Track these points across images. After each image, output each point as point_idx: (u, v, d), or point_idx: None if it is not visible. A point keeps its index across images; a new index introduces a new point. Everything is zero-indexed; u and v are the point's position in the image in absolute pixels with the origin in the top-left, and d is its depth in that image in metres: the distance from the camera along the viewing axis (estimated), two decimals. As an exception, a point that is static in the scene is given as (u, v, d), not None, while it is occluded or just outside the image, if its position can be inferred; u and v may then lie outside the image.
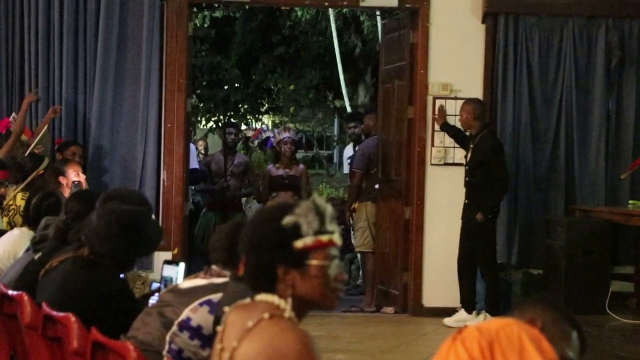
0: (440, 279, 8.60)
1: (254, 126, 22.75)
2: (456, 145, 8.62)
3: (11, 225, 6.31)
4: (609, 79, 9.01)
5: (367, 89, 20.63)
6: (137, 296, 4.16)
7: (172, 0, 8.58)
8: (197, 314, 3.39)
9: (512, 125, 8.88)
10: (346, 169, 11.68)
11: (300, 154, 15.54)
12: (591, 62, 8.99)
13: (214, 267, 3.63)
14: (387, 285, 9.08)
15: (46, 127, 8.06)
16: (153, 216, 4.18)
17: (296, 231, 2.36)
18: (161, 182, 8.60)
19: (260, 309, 2.35)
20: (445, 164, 8.76)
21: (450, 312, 8.31)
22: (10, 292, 4.03)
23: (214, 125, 22.75)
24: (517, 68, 8.90)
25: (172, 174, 8.59)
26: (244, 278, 2.45)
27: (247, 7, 16.75)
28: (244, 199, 10.91)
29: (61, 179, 6.81)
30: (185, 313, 3.40)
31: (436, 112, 8.68)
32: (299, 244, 2.36)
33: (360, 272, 10.28)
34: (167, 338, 3.39)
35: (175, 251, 8.32)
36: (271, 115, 24.98)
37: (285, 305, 2.36)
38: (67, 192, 6.48)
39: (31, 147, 7.71)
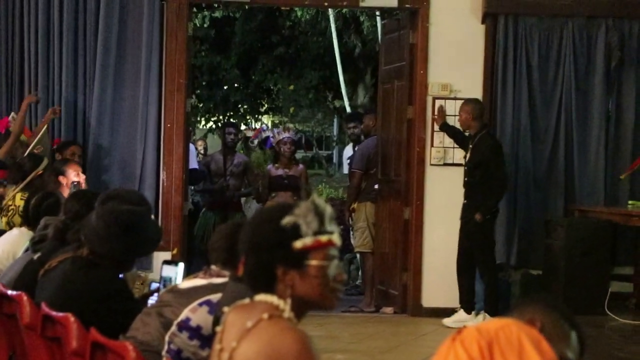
0: (439, 279, 8.60)
1: (253, 126, 22.76)
2: (455, 145, 8.62)
3: (10, 226, 6.31)
4: (608, 79, 9.01)
5: (367, 89, 20.64)
6: (136, 296, 4.16)
7: (172, 0, 8.58)
8: (196, 314, 3.39)
9: (512, 126, 8.88)
10: (346, 169, 11.68)
11: (299, 154, 15.55)
12: (591, 63, 8.99)
13: (213, 267, 3.63)
14: (387, 286, 9.08)
15: (45, 127, 8.06)
16: (152, 216, 4.18)
17: (295, 231, 2.36)
18: (160, 182, 8.60)
19: (259, 309, 2.35)
20: (445, 164, 8.76)
21: (449, 312, 8.32)
22: (9, 292, 4.02)
23: (214, 126, 22.76)
24: (517, 68, 8.90)
25: (172, 174, 8.59)
26: (244, 278, 2.45)
27: (246, 7, 16.76)
28: (243, 199, 10.91)
29: (61, 178, 6.80)
30: (185, 313, 3.40)
31: (436, 113, 8.69)
32: (298, 244, 2.36)
33: (360, 273, 10.28)
34: (167, 338, 3.39)
35: (175, 251, 8.32)
36: (271, 116, 24.99)
37: (285, 305, 2.36)
38: (66, 192, 6.47)
39: (30, 147, 7.71)
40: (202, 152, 12.25)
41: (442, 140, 8.74)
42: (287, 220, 2.37)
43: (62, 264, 3.88)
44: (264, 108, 23.74)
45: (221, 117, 22.47)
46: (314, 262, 2.37)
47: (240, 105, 22.68)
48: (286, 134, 10.07)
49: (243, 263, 2.44)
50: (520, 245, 8.86)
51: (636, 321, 8.21)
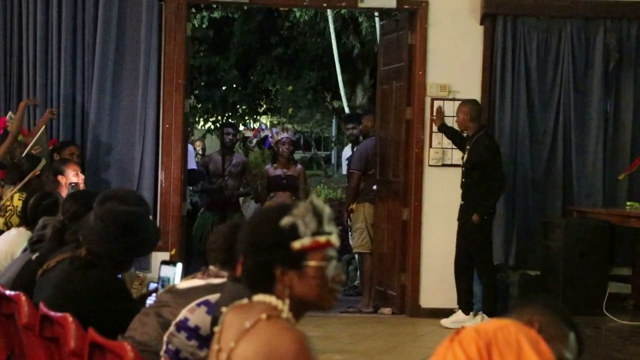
0: (437, 280, 8.60)
1: (252, 127, 22.76)
2: (454, 146, 8.62)
3: (8, 226, 6.31)
4: (606, 81, 9.02)
5: (365, 90, 20.64)
6: (134, 296, 4.15)
7: (171, 0, 8.57)
8: (194, 314, 3.39)
9: (510, 127, 8.88)
10: (344, 170, 11.69)
11: (298, 155, 15.55)
12: (589, 64, 8.99)
13: (211, 267, 3.63)
14: (385, 286, 9.08)
15: (43, 128, 8.06)
16: (151, 217, 4.17)
17: (294, 232, 2.36)
18: (159, 182, 8.60)
19: (257, 310, 2.35)
20: (443, 165, 8.76)
21: (447, 313, 8.32)
22: (7, 292, 4.02)
23: (212, 126, 22.76)
24: (516, 69, 8.90)
25: (170, 175, 8.59)
26: (242, 278, 2.45)
27: (245, 7, 16.76)
28: (241, 199, 10.91)
29: (60, 178, 6.81)
30: (183, 313, 3.40)
31: (434, 113, 8.68)
32: (296, 244, 2.36)
33: (358, 273, 10.29)
34: (165, 338, 3.38)
35: (173, 252, 8.32)
36: (269, 116, 25.00)
37: (283, 305, 2.36)
38: (65, 192, 6.47)
39: (28, 147, 7.71)
40: (200, 152, 12.25)
41: (440, 141, 8.74)
42: (285, 220, 2.37)
43: (61, 264, 3.88)
44: (263, 109, 23.75)
45: (220, 118, 22.47)
46: (312, 263, 2.37)
47: (238, 106, 22.69)
48: (284, 134, 10.07)
49: (241, 263, 2.44)
50: (519, 246, 8.86)
51: (634, 322, 8.21)
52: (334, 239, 2.41)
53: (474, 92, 8.71)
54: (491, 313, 7.94)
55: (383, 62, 9.52)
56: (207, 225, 9.91)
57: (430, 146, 8.78)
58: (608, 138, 9.04)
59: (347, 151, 11.20)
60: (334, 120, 25.59)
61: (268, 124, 24.90)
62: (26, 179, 6.92)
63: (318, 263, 2.38)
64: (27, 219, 5.36)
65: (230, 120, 21.48)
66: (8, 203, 6.65)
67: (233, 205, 10.23)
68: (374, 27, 16.40)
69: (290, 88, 21.48)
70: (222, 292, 3.34)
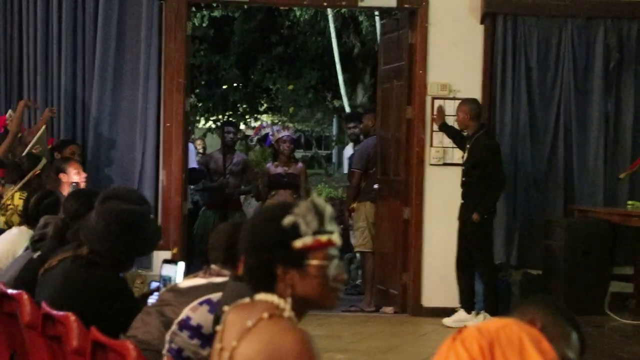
0: (439, 279, 8.60)
1: (252, 126, 22.75)
2: (455, 145, 8.62)
3: (8, 225, 6.31)
4: (607, 80, 9.01)
5: (366, 89, 20.64)
6: (136, 295, 4.16)
7: (171, -1, 8.58)
8: (196, 313, 3.39)
9: (511, 126, 8.88)
10: (346, 169, 11.69)
11: (299, 154, 15.56)
12: (590, 63, 8.99)
13: (213, 266, 3.63)
14: (387, 285, 9.08)
15: (44, 127, 8.06)
16: (152, 215, 4.17)
17: (295, 231, 2.36)
18: (160, 181, 8.59)
19: (259, 309, 2.34)
20: (444, 164, 8.76)
21: (449, 312, 8.32)
22: (9, 291, 4.02)
23: (213, 125, 22.76)
24: (516, 69, 8.90)
25: (171, 174, 8.59)
26: (244, 277, 2.45)
27: (245, 7, 16.76)
28: (242, 197, 10.91)
29: (61, 176, 6.81)
30: (185, 312, 3.40)
31: (435, 113, 8.68)
32: (298, 243, 2.36)
33: (360, 272, 10.29)
34: (167, 337, 3.39)
35: (175, 250, 8.32)
36: (270, 115, 24.99)
37: (285, 304, 2.36)
38: (66, 191, 6.47)
39: (29, 146, 7.71)
40: (200, 151, 12.25)
41: (441, 140, 8.74)
42: (287, 219, 2.37)
43: (62, 262, 3.88)
44: (263, 108, 23.74)
45: (220, 117, 22.47)
46: (314, 262, 2.37)
47: (239, 105, 22.68)
48: (285, 132, 10.08)
49: (243, 262, 2.44)
50: (520, 246, 8.86)
51: (636, 321, 8.21)
52: (336, 238, 2.41)
53: (475, 91, 8.70)
54: (492, 312, 7.94)
55: (383, 61, 9.52)
56: (208, 224, 9.90)
57: (431, 145, 8.78)
58: (609, 137, 9.03)
59: (348, 150, 11.21)
60: (334, 119, 25.58)
61: (269, 122, 24.89)
62: (26, 178, 6.92)
63: (320, 262, 2.37)
64: (28, 217, 5.36)
65: (230, 119, 21.48)
66: (9, 202, 6.66)
67: (234, 204, 10.23)
68: (374, 26, 16.40)
69: (290, 87, 21.47)
70: (224, 291, 3.34)
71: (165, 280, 3.96)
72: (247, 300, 2.42)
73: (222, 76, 21.34)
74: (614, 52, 8.94)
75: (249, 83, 21.91)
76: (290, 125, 14.93)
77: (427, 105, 8.76)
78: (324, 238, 2.38)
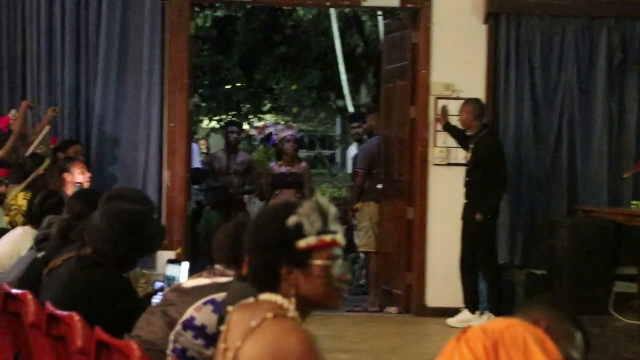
0: (443, 279, 8.60)
1: (255, 125, 22.75)
2: (458, 145, 8.62)
3: (12, 225, 6.31)
4: (611, 80, 9.01)
5: (369, 89, 20.63)
6: (140, 295, 4.16)
7: (174, -1, 8.58)
8: (200, 313, 3.39)
9: (514, 126, 8.87)
10: (350, 169, 11.69)
11: (302, 154, 15.55)
12: (593, 63, 8.99)
13: (217, 266, 3.63)
14: (390, 285, 9.08)
15: (48, 127, 8.07)
16: (156, 215, 4.18)
17: (299, 231, 2.36)
18: (164, 181, 8.60)
19: (263, 309, 2.34)
20: (448, 164, 8.76)
21: (453, 312, 8.31)
22: (13, 290, 4.03)
23: (216, 125, 22.76)
24: (519, 68, 8.89)
25: (175, 173, 8.60)
26: (247, 277, 2.45)
27: (248, 6, 16.77)
28: (246, 197, 10.92)
29: (65, 175, 6.82)
30: (189, 312, 3.40)
31: (438, 112, 8.68)
32: (302, 243, 2.36)
33: (363, 272, 10.29)
34: (171, 337, 3.39)
35: (178, 250, 8.31)
36: (274, 115, 24.98)
37: (289, 304, 2.36)
38: (70, 191, 6.48)
39: (32, 146, 7.72)
40: (204, 151, 12.26)
41: (445, 140, 8.73)
42: (290, 219, 2.37)
43: (66, 262, 3.88)
44: (267, 107, 23.74)
45: (224, 117, 22.46)
46: (317, 262, 2.37)
47: (242, 105, 22.68)
48: (289, 132, 10.08)
49: (247, 262, 2.44)
50: (524, 246, 8.86)
51: (640, 321, 8.20)
52: (340, 238, 2.41)
53: (478, 91, 8.70)
54: (496, 312, 7.94)
55: (387, 61, 9.52)
56: (212, 224, 9.92)
57: (435, 145, 8.77)
58: (613, 137, 9.03)
59: (352, 150, 11.21)
60: (338, 119, 25.57)
61: (273, 121, 24.88)
62: (30, 178, 6.93)
63: (323, 262, 2.37)
64: (32, 217, 5.36)
65: (234, 119, 21.47)
66: (12, 202, 6.66)
67: (237, 204, 10.24)
68: (377, 26, 16.39)
69: (294, 87, 21.47)
70: (228, 290, 3.34)
71: (169, 280, 3.96)
72: (251, 300, 2.42)
73: (226, 76, 21.33)
74: (618, 52, 8.94)
75: (252, 83, 21.90)
76: (294, 125, 14.92)
77: (431, 105, 8.75)
78: (327, 238, 2.38)
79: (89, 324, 3.23)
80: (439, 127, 8.69)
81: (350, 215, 9.71)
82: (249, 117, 23.17)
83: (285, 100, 22.54)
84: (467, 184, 8.26)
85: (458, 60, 8.75)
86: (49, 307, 3.50)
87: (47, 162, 7.21)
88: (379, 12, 14.11)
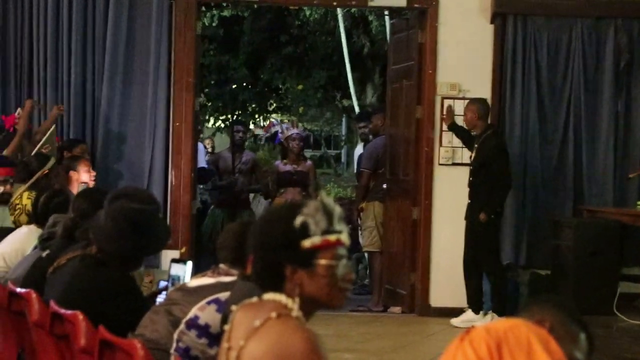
0: (447, 279, 8.59)
1: (261, 125, 22.75)
2: (464, 145, 8.61)
3: (16, 225, 6.31)
4: (617, 80, 8.99)
5: (375, 89, 20.62)
6: (144, 294, 4.16)
7: (181, -1, 8.59)
8: (204, 312, 3.39)
9: (520, 126, 8.86)
10: (356, 168, 11.67)
11: (308, 153, 15.55)
12: (600, 63, 8.97)
13: (221, 265, 3.63)
14: (395, 285, 9.08)
15: (54, 126, 8.08)
16: (161, 215, 4.18)
17: (304, 231, 2.36)
18: (169, 180, 8.61)
19: (267, 308, 2.34)
20: (454, 164, 8.75)
21: (457, 312, 8.31)
22: (18, 289, 4.03)
23: (222, 124, 22.78)
24: (526, 68, 8.88)
25: (180, 173, 8.60)
26: (252, 277, 2.45)
27: (255, 6, 16.77)
28: (251, 196, 10.92)
29: (72, 173, 6.82)
30: (193, 311, 3.40)
31: (444, 112, 8.68)
32: (306, 243, 2.36)
33: (368, 272, 10.28)
34: (175, 336, 3.39)
35: (183, 250, 8.33)
36: (279, 115, 24.99)
37: (293, 304, 2.35)
38: (76, 189, 6.49)
39: (38, 146, 7.73)
40: (210, 150, 12.27)
41: (450, 139, 8.73)
42: (296, 219, 2.37)
43: (71, 261, 3.89)
44: (273, 107, 23.74)
45: (230, 116, 22.47)
46: (322, 262, 2.37)
47: (248, 104, 22.68)
48: (295, 130, 10.09)
49: (251, 262, 2.44)
50: (529, 246, 8.85)
51: (644, 322, 8.19)
52: (344, 238, 2.41)
53: (484, 91, 8.70)
54: (500, 312, 7.94)
55: (393, 60, 9.51)
56: (217, 223, 9.92)
57: (441, 145, 8.77)
58: (619, 137, 9.01)
59: (359, 150, 11.20)
60: (343, 119, 25.56)
61: (279, 119, 24.88)
62: (35, 178, 6.93)
63: (328, 262, 2.37)
64: (37, 216, 5.37)
65: (240, 118, 21.48)
66: (17, 201, 6.66)
67: (243, 203, 10.24)
68: (384, 25, 16.37)
69: (300, 87, 21.46)
70: (232, 290, 3.34)
71: (174, 279, 3.96)
72: (255, 299, 2.42)
73: (232, 75, 21.34)
74: (624, 52, 8.92)
75: (259, 82, 21.90)
76: (300, 124, 14.92)
77: (437, 105, 8.75)
78: (332, 238, 2.38)
79: (93, 323, 3.24)
80: (445, 127, 8.68)
81: (355, 215, 9.71)
82: (255, 116, 23.18)
83: (291, 99, 22.54)
84: (471, 184, 8.25)
85: (464, 61, 8.74)
86: (53, 306, 3.51)
87: (52, 161, 7.21)
88: (386, 12, 14.09)
